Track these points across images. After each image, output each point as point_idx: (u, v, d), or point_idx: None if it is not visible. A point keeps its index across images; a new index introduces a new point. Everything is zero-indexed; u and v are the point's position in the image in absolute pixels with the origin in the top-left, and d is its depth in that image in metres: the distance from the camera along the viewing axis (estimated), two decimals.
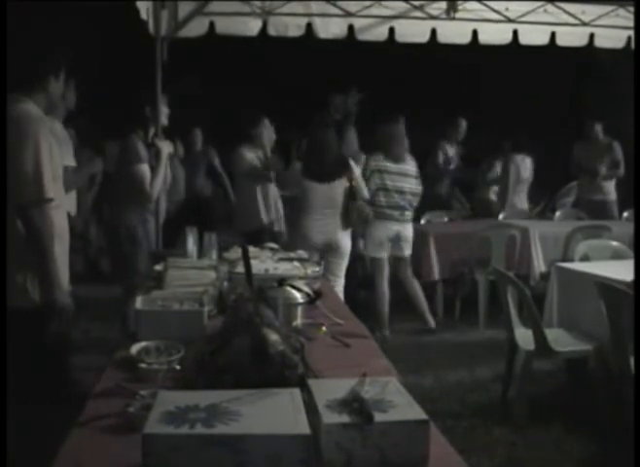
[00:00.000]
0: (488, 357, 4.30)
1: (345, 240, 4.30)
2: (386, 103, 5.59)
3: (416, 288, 5.04)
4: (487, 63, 7.62)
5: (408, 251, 4.97)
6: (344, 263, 4.31)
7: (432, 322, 5.04)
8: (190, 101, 6.72)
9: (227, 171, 6.55)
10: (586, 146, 6.44)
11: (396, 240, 4.89)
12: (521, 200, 6.38)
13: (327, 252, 4.16)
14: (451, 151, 6.71)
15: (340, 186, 4.22)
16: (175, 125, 4.32)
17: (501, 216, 6.20)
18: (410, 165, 4.90)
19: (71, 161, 3.37)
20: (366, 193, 4.38)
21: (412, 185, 4.88)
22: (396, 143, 4.80)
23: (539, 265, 5.23)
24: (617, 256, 4.21)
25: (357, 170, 4.36)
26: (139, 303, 2.13)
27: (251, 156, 4.79)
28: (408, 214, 4.92)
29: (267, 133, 4.87)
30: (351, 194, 4.22)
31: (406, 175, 4.85)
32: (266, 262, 2.88)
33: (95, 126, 5.90)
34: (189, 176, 6.59)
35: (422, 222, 6.08)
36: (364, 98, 5.58)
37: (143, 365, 1.75)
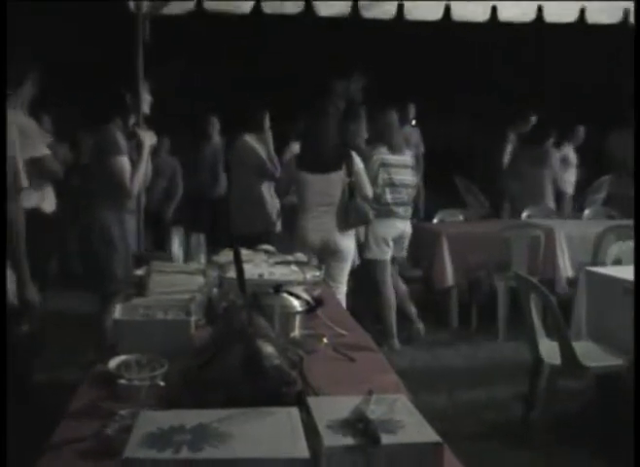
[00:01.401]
0: (509, 372, 4.31)
1: (346, 242, 4.31)
2: (394, 89, 5.60)
3: (405, 293, 5.10)
4: (509, 42, 7.62)
5: (405, 251, 5.05)
6: (346, 267, 4.32)
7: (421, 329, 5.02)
8: (175, 87, 6.74)
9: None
10: (623, 136, 6.43)
11: (399, 239, 4.95)
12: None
13: (325, 254, 4.15)
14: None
15: (338, 179, 4.23)
16: (159, 114, 4.31)
17: (524, 214, 6.20)
18: (408, 156, 5.01)
19: (40, 151, 3.35)
20: (369, 190, 4.38)
21: (412, 177, 4.99)
22: (397, 132, 4.90)
23: (565, 269, 5.24)
24: None
25: (360, 165, 4.36)
26: (118, 311, 2.14)
27: (259, 148, 4.84)
28: (410, 210, 5.00)
29: (267, 125, 4.94)
30: (350, 190, 4.24)
31: (406, 167, 4.93)
32: (260, 266, 2.88)
33: (70, 115, 5.91)
34: (201, 171, 6.60)
35: (435, 221, 6.13)
36: (369, 83, 5.57)
37: (122, 381, 1.76)
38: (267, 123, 4.93)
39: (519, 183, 6.51)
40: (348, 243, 4.33)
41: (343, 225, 4.26)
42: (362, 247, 4.82)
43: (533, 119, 6.68)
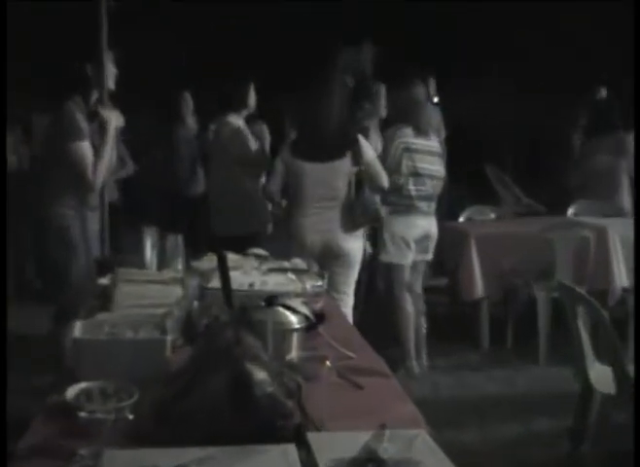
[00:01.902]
0: (552, 403, 4.31)
1: (351, 244, 4.32)
2: (411, 59, 5.60)
3: (420, 311, 5.09)
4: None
5: (431, 254, 5.02)
6: (352, 274, 4.35)
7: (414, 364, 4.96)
8: (145, 57, 6.74)
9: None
10: None
11: (422, 241, 4.92)
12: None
13: (327, 259, 4.16)
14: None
15: (343, 169, 4.25)
16: (125, 89, 4.30)
17: (570, 211, 6.21)
18: (434, 141, 4.97)
19: None
20: (384, 180, 4.39)
21: (439, 166, 4.95)
22: (423, 111, 4.87)
23: (620, 278, 5.23)
24: None
25: (370, 152, 4.37)
26: (78, 329, 2.13)
27: (245, 131, 4.87)
28: (434, 206, 4.99)
29: (253, 101, 4.95)
30: (358, 182, 4.24)
31: (432, 154, 4.90)
32: (250, 273, 2.89)
33: (19, 93, 5.91)
34: (176, 161, 6.61)
35: (461, 219, 6.13)
36: (382, 53, 5.57)
37: (83, 414, 1.75)
38: (252, 98, 4.91)
39: (584, 175, 6.52)
40: (354, 246, 4.34)
41: (349, 224, 4.28)
42: (377, 248, 4.84)
43: (603, 92, 6.60)
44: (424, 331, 5.11)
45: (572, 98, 6.73)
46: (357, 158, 4.25)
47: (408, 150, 4.75)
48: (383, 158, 4.60)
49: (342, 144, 4.27)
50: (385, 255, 4.86)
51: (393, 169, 4.59)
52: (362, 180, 4.27)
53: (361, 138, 4.36)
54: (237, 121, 4.91)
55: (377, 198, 4.41)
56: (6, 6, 2.29)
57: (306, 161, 4.24)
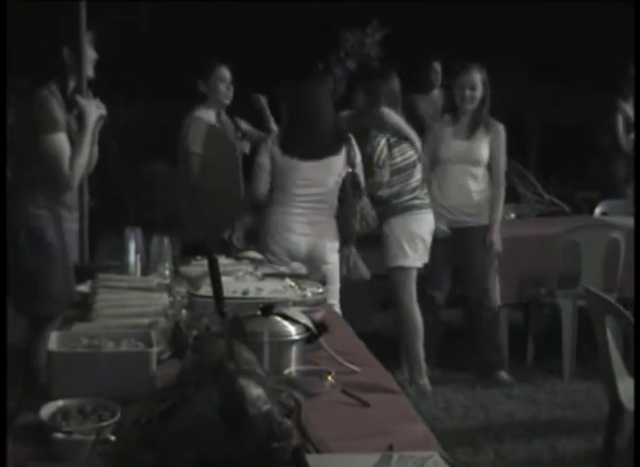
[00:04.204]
0: (578, 422, 4.31)
1: (334, 255, 4.35)
2: (422, 43, 5.59)
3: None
4: None
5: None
6: (335, 290, 4.33)
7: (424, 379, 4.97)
8: (127, 40, 6.73)
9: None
10: None
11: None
12: None
13: (309, 268, 4.07)
14: (631, 113, 6.77)
15: (335, 169, 4.26)
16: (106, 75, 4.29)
17: (597, 210, 6.19)
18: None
19: None
20: (382, 176, 4.47)
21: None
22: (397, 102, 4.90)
23: None
24: None
25: (358, 156, 4.40)
26: (54, 341, 2.13)
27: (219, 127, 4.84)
28: None
29: (226, 91, 4.84)
30: (354, 184, 4.27)
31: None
32: (244, 279, 2.90)
33: None
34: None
35: None
36: (390, 36, 5.57)
37: (59, 435, 1.75)
38: (219, 85, 4.80)
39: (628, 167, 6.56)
40: (335, 257, 4.37)
41: (346, 231, 4.33)
42: (388, 251, 4.85)
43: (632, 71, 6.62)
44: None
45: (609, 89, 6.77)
46: (350, 158, 4.28)
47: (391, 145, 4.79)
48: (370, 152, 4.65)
49: (338, 139, 4.29)
50: (400, 258, 4.83)
51: (380, 164, 4.66)
52: (357, 182, 4.28)
53: (351, 136, 4.37)
54: (208, 115, 4.84)
55: (368, 203, 4.43)
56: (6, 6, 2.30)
57: (294, 157, 4.22)
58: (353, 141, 4.36)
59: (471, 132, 5.04)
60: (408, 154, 4.84)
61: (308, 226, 4.26)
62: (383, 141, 4.75)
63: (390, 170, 4.74)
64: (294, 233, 4.24)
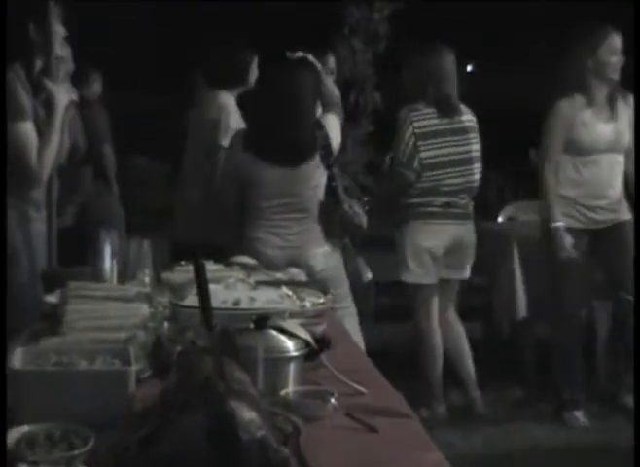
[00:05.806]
0: (619, 453, 4.17)
1: (331, 262, 4.10)
2: (434, 24, 5.43)
3: (462, 338, 5.00)
4: None
5: (467, 271, 4.91)
6: (341, 292, 4.15)
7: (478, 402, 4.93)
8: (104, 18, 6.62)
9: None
10: None
11: (454, 251, 4.81)
12: None
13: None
14: None
15: (316, 174, 3.99)
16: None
17: None
18: (467, 117, 4.85)
19: None
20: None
21: (476, 152, 4.83)
22: (449, 83, 4.74)
23: None
24: None
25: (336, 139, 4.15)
26: (18, 358, 2.12)
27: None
28: (470, 206, 4.89)
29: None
30: (330, 190, 4.08)
31: (466, 135, 4.78)
32: (235, 287, 2.92)
33: None
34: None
35: (499, 220, 6.10)
36: (400, 13, 5.46)
37: (24, 465, 1.73)
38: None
39: None
40: (331, 261, 4.11)
41: (331, 237, 4.11)
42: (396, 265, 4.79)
43: None
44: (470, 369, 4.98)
45: None
46: (327, 155, 4.01)
47: (423, 135, 4.65)
48: (395, 147, 4.60)
49: (313, 138, 3.99)
50: (406, 273, 4.77)
51: (408, 159, 4.56)
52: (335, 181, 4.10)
53: (325, 126, 4.10)
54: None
55: (353, 205, 4.25)
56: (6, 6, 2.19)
57: (267, 163, 3.92)
58: (327, 132, 4.07)
59: (613, 112, 4.69)
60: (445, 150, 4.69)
61: (285, 240, 4.01)
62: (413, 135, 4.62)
63: (420, 165, 4.61)
64: (268, 247, 3.97)
